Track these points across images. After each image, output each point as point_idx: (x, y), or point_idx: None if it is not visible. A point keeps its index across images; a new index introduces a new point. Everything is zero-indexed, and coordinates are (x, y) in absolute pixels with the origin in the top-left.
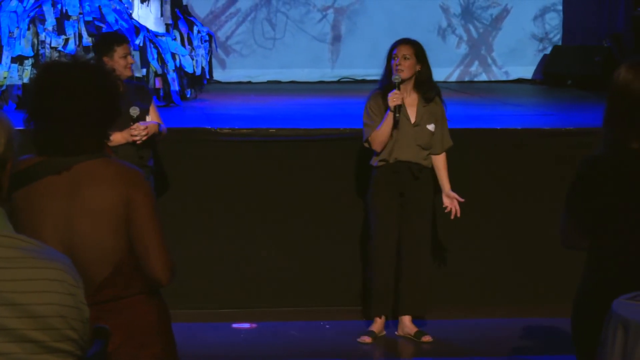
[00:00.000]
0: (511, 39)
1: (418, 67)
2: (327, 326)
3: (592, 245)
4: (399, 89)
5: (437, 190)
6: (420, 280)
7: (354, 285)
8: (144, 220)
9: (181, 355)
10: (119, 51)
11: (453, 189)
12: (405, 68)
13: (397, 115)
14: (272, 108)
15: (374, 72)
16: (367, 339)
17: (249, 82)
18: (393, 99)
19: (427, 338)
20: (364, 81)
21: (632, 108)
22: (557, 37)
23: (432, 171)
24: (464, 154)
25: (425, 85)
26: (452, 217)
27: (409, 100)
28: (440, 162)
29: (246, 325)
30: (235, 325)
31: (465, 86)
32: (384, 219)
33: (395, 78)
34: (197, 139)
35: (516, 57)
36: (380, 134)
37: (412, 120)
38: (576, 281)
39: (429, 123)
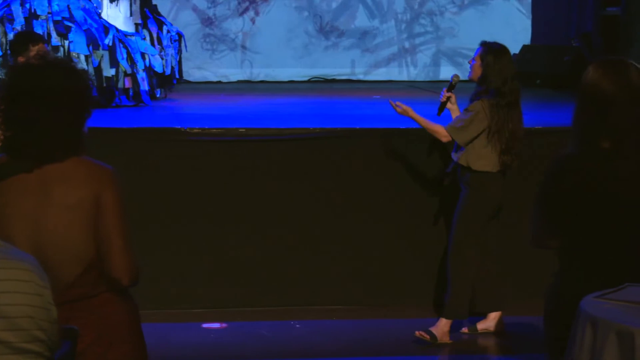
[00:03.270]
0: (481, 37)
1: (481, 70)
2: (298, 325)
3: (562, 244)
4: (448, 89)
5: (477, 192)
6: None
7: (324, 284)
8: (111, 219)
9: (151, 355)
10: (34, 51)
11: (420, 188)
12: (472, 69)
13: (438, 112)
14: (242, 108)
15: (344, 72)
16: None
17: (219, 82)
18: (441, 97)
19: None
20: (334, 81)
21: (601, 107)
22: (526, 37)
23: (465, 170)
24: (433, 152)
25: (482, 88)
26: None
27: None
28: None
29: (216, 325)
30: (205, 325)
31: (434, 85)
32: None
33: (453, 77)
34: (166, 139)
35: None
36: None
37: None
38: (548, 279)
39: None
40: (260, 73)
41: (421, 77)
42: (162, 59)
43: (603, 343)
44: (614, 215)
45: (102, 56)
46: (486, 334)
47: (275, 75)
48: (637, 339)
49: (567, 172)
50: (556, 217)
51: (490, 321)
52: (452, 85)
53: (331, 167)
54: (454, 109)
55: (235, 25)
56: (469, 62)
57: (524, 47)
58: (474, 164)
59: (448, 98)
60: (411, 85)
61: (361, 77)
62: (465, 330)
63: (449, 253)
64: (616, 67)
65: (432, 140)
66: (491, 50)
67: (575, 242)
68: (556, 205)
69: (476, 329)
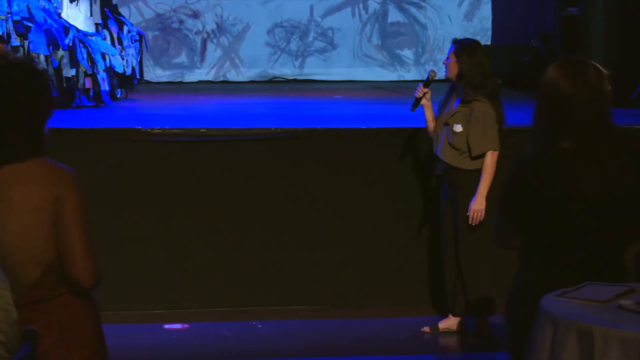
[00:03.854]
0: (439, 37)
1: (457, 67)
2: (260, 326)
3: (523, 244)
4: (424, 84)
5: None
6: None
7: (285, 284)
8: (71, 221)
9: (112, 357)
10: None
11: (387, 188)
12: (448, 68)
13: (413, 107)
14: (203, 108)
15: (305, 71)
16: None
17: (180, 82)
18: (416, 92)
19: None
20: (295, 81)
21: (561, 108)
22: (486, 37)
23: (462, 172)
24: (394, 153)
25: (460, 85)
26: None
27: (453, 99)
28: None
29: (178, 326)
30: (167, 326)
31: (396, 86)
32: (440, 212)
33: (429, 73)
34: (127, 139)
35: (444, 56)
36: (426, 127)
37: (446, 119)
38: (510, 279)
39: (457, 123)
40: (221, 73)
41: (381, 78)
42: (123, 59)
43: (563, 341)
44: (574, 215)
45: (62, 56)
46: (448, 333)
47: (236, 75)
48: (596, 337)
49: (528, 172)
50: (517, 217)
51: (452, 320)
52: (428, 80)
53: (292, 167)
54: (427, 105)
55: (196, 25)
56: (444, 63)
57: (485, 47)
58: (469, 164)
59: (424, 94)
60: (372, 85)
61: (324, 77)
62: (426, 329)
63: (459, 256)
64: (575, 67)
65: (400, 138)
66: (465, 47)
67: (536, 241)
68: (517, 205)
69: (438, 328)
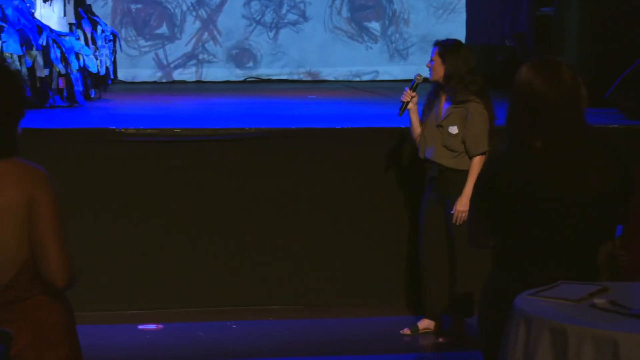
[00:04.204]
0: (415, 37)
1: (443, 68)
2: (234, 326)
3: (497, 243)
4: (412, 89)
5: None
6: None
7: (260, 284)
8: (45, 221)
9: (86, 357)
10: None
11: (360, 185)
12: (433, 70)
13: (401, 112)
14: (178, 108)
15: (279, 71)
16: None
17: (154, 82)
18: (403, 97)
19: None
20: (269, 80)
21: (534, 107)
22: (460, 37)
23: (460, 173)
24: (371, 153)
25: (450, 86)
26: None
27: (442, 101)
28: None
29: (152, 327)
30: (141, 327)
31: (369, 85)
32: (422, 215)
33: (416, 77)
34: (101, 140)
35: (419, 56)
36: (411, 130)
37: (438, 121)
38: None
39: (452, 125)
40: (196, 73)
41: (358, 77)
42: (97, 59)
43: (537, 340)
44: (546, 214)
45: (35, 56)
46: (426, 333)
47: (211, 75)
48: (570, 336)
49: (501, 171)
50: (491, 216)
51: (429, 321)
52: (416, 84)
53: (267, 167)
54: (414, 110)
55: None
56: (427, 66)
57: None
58: (466, 164)
59: (412, 97)
60: (347, 85)
61: (301, 77)
62: (406, 331)
63: (455, 257)
64: (548, 66)
65: (377, 138)
66: (449, 47)
67: (510, 240)
68: (491, 205)
69: (417, 329)
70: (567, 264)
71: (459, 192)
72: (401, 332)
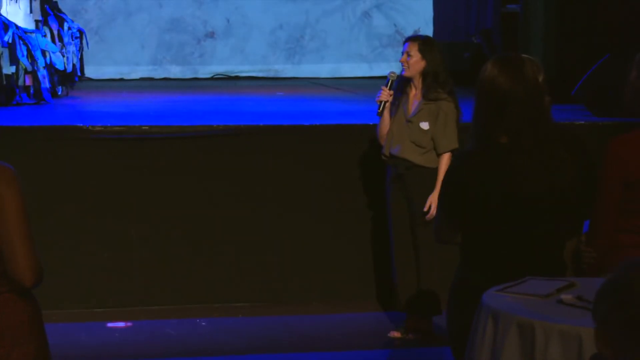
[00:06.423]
0: (381, 34)
1: (423, 64)
2: (203, 323)
3: (463, 239)
4: (388, 86)
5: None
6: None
7: (228, 282)
8: (12, 219)
9: (55, 355)
10: None
11: (331, 184)
12: (410, 66)
13: (379, 111)
14: (145, 105)
15: (247, 68)
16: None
17: (121, 79)
18: (380, 95)
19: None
20: (237, 77)
21: (499, 103)
22: (427, 33)
23: (427, 170)
24: (337, 149)
25: (426, 82)
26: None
27: (411, 96)
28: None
29: (121, 325)
30: (109, 325)
31: (336, 82)
32: (390, 212)
33: (389, 75)
34: (68, 137)
35: (386, 53)
36: (379, 127)
37: (407, 116)
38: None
39: (424, 121)
40: (161, 70)
41: (324, 74)
42: (64, 56)
43: (504, 336)
44: (513, 210)
45: (1, 53)
46: (394, 329)
47: (178, 72)
48: (537, 331)
49: (466, 167)
50: (457, 213)
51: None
52: (391, 82)
53: (234, 164)
54: (387, 107)
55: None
56: (400, 61)
57: None
58: (434, 161)
59: (390, 95)
60: (314, 82)
61: (264, 74)
62: (396, 334)
63: (421, 252)
64: (512, 63)
65: (344, 135)
66: (427, 43)
67: (476, 237)
68: (457, 201)
69: (407, 331)
70: (534, 260)
71: (425, 190)
72: (390, 334)
